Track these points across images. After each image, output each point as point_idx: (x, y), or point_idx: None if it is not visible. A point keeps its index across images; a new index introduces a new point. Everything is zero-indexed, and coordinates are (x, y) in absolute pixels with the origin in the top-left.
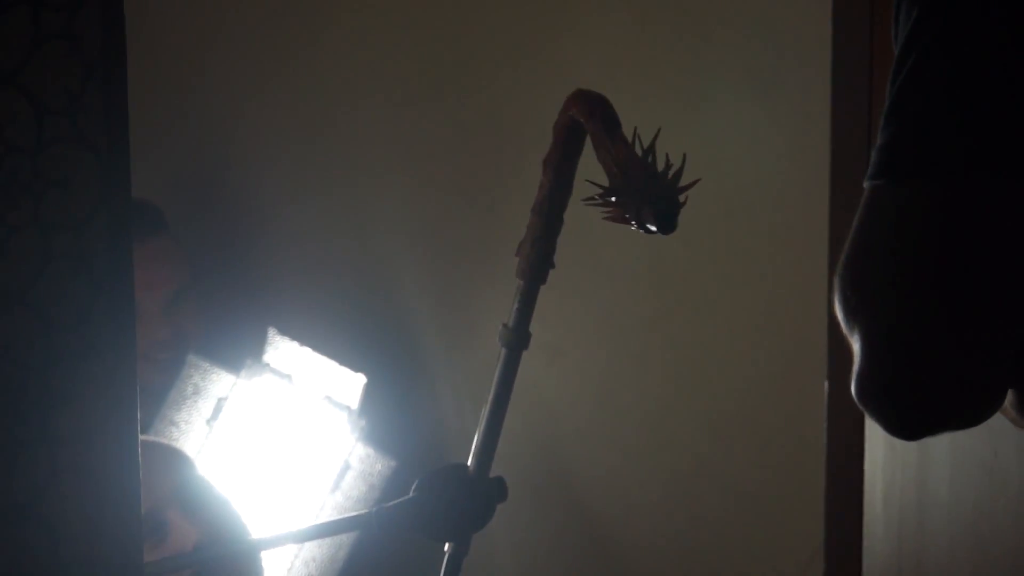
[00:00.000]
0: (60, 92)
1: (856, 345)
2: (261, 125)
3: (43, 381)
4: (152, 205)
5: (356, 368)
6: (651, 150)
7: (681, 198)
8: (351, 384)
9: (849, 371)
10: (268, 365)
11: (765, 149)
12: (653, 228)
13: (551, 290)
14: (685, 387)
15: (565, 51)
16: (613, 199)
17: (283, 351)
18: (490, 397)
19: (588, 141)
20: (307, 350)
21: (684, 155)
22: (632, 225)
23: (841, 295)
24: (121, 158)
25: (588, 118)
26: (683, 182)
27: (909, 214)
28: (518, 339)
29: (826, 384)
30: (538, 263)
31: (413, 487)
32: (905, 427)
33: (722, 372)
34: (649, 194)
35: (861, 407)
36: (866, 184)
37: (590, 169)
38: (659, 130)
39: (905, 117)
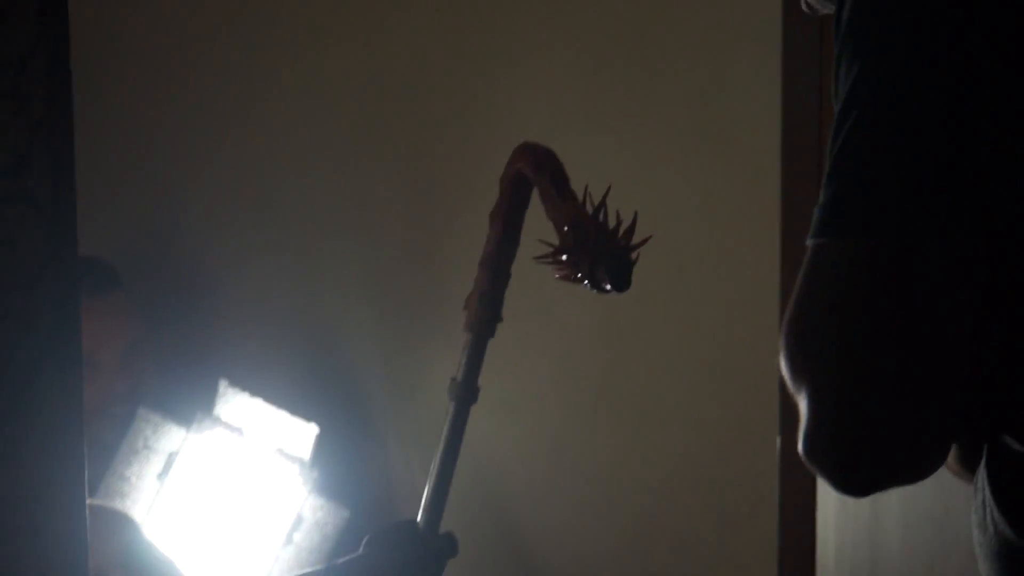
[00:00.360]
0: (6, 151)
1: (802, 403)
2: (213, 182)
3: None
4: (104, 262)
5: (308, 419)
6: (602, 207)
7: (634, 255)
8: (303, 435)
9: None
10: (219, 418)
11: (716, 203)
12: (607, 287)
13: (502, 344)
14: (638, 442)
15: (514, 103)
16: (565, 257)
17: (234, 403)
18: (439, 452)
19: (536, 193)
20: (258, 402)
21: (636, 212)
22: (585, 284)
23: (787, 353)
24: (68, 217)
25: (536, 173)
26: (635, 239)
27: (850, 273)
28: (467, 393)
29: (778, 440)
30: (486, 317)
31: (363, 543)
32: (851, 484)
33: (675, 427)
34: (602, 253)
35: (807, 464)
36: (809, 242)
37: (539, 221)
38: (609, 187)
39: (846, 176)
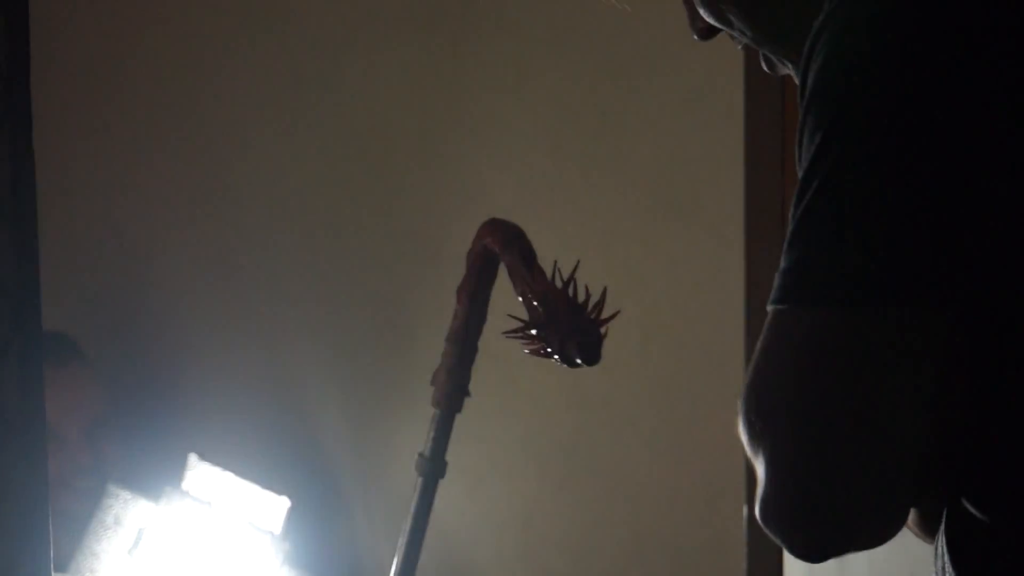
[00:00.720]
0: None
1: (759, 468)
2: (178, 254)
3: None
4: (65, 336)
5: (278, 492)
6: (571, 281)
7: (603, 329)
8: (274, 508)
9: None
10: (188, 492)
11: (681, 272)
12: (578, 361)
13: (469, 413)
14: (606, 511)
15: (481, 176)
16: (535, 332)
17: (204, 477)
18: (407, 527)
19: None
20: (228, 475)
21: (604, 287)
22: (555, 359)
23: (745, 419)
24: (32, 296)
25: (503, 249)
26: (604, 314)
27: (808, 340)
28: (434, 468)
29: (745, 509)
30: (453, 392)
31: None
32: (806, 549)
33: (643, 497)
34: (572, 328)
35: (765, 529)
36: (769, 307)
37: (507, 295)
38: (578, 262)
39: (806, 244)
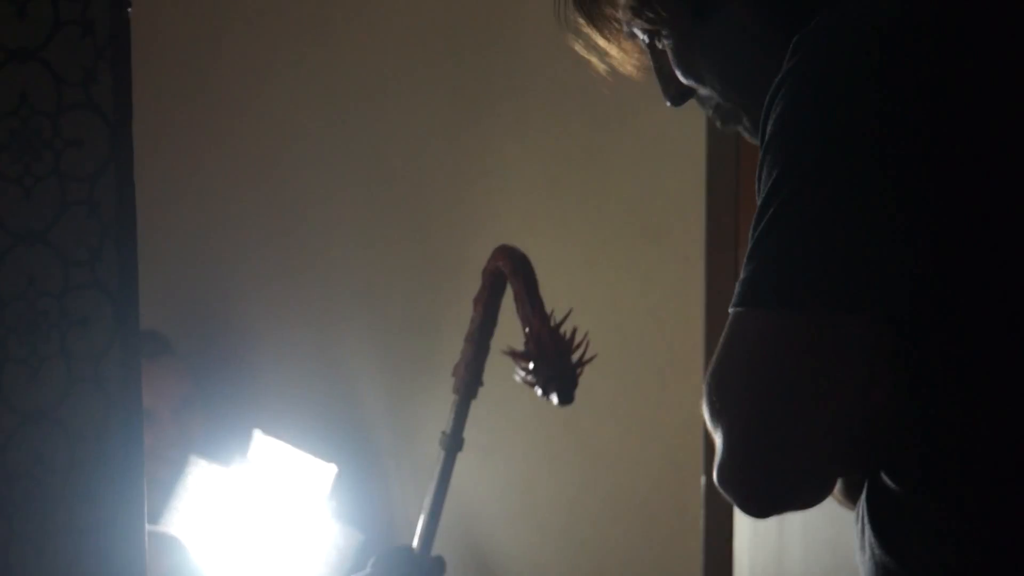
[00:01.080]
0: (82, 247)
1: (718, 439)
2: (250, 267)
3: (66, 481)
4: (159, 333)
5: (328, 460)
6: (560, 325)
7: (579, 371)
8: (324, 474)
9: None
10: (254, 461)
11: (651, 286)
12: (555, 401)
13: (483, 400)
14: (588, 479)
15: (495, 208)
16: (525, 364)
17: (266, 448)
18: (431, 490)
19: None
20: (287, 446)
21: (586, 332)
22: (538, 391)
23: (707, 399)
24: (131, 300)
25: (512, 274)
26: (586, 354)
27: (761, 336)
28: (454, 444)
29: (703, 478)
30: (470, 382)
31: (369, 563)
32: (754, 506)
33: (618, 468)
34: (556, 372)
35: (720, 489)
36: (731, 310)
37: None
38: (569, 311)
39: (762, 257)
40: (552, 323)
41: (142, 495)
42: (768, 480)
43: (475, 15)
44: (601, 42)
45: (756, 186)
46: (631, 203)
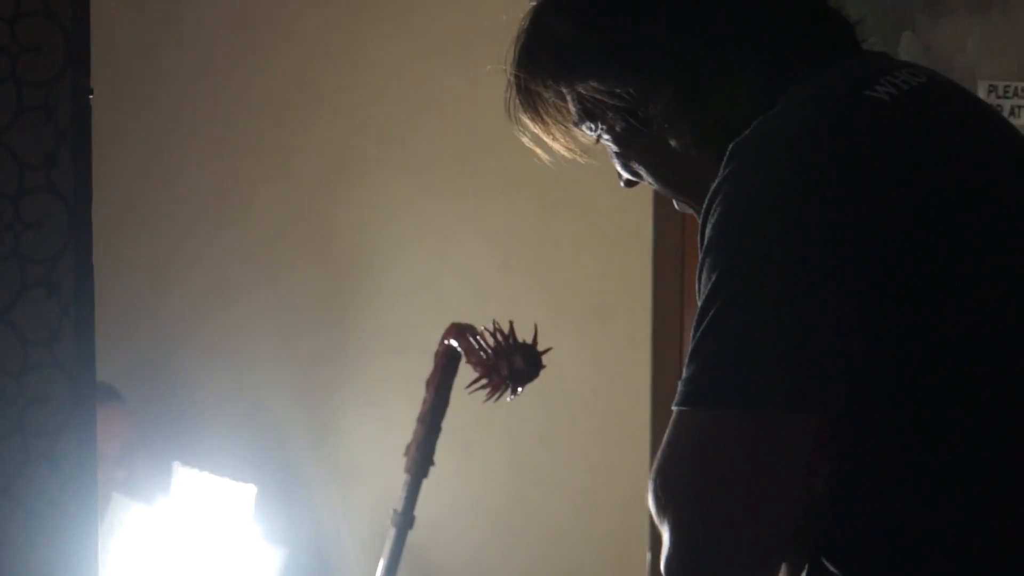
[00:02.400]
0: (40, 329)
1: (665, 533)
2: (191, 326)
3: (23, 559)
4: (106, 383)
5: (249, 481)
6: (510, 333)
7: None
8: (244, 495)
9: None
10: (175, 494)
11: (601, 364)
12: (525, 374)
13: (456, 429)
14: (538, 553)
15: (447, 288)
16: (486, 380)
17: (187, 480)
18: (381, 568)
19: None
20: (206, 475)
21: (535, 325)
22: (508, 394)
23: (653, 495)
24: (88, 378)
25: (459, 337)
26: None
27: (701, 436)
28: (405, 522)
29: (648, 554)
30: (421, 462)
31: None
32: None
33: (567, 541)
34: (515, 350)
35: None
36: (674, 409)
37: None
38: (512, 322)
39: (703, 359)
40: (499, 336)
41: (96, 569)
42: (712, 572)
43: (432, 100)
44: (547, 139)
45: (697, 286)
46: (580, 284)
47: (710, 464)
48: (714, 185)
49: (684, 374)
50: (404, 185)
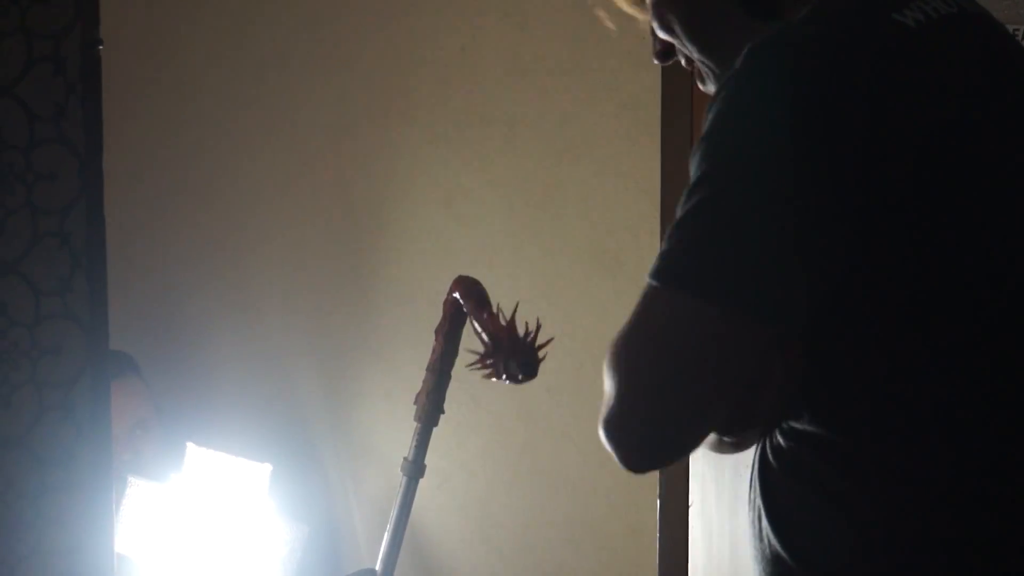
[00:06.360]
0: (53, 279)
1: (608, 389)
2: (207, 297)
3: (36, 506)
4: (126, 354)
5: (263, 460)
6: (513, 319)
7: (541, 354)
8: (259, 474)
9: (675, 490)
10: (191, 472)
11: (608, 315)
12: (520, 377)
13: (442, 426)
14: (546, 503)
15: (454, 239)
16: (488, 361)
17: (202, 458)
18: (393, 515)
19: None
20: (220, 454)
21: (537, 319)
22: (505, 380)
23: (612, 353)
24: (101, 329)
25: (465, 298)
26: (541, 340)
27: (661, 311)
28: (415, 470)
29: (658, 501)
30: (432, 410)
31: None
32: (629, 460)
33: (576, 491)
34: (513, 352)
35: (603, 437)
36: (648, 280)
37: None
38: (517, 304)
39: (687, 239)
40: (503, 320)
41: (111, 519)
42: (643, 434)
43: (437, 51)
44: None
45: (690, 165)
46: (586, 232)
47: (673, 343)
48: (727, 75)
49: (664, 244)
50: (411, 136)
